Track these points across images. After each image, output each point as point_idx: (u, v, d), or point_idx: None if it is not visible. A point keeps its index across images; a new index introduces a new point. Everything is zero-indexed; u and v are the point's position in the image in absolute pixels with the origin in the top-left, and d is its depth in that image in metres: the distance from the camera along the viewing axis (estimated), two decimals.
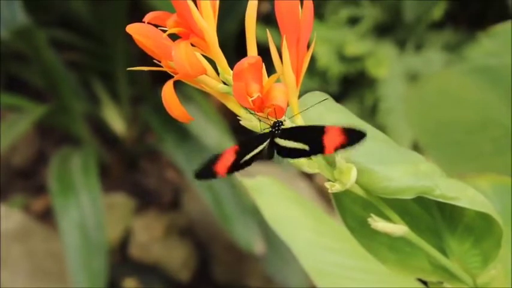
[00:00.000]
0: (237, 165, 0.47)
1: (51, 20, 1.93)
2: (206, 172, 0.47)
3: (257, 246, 1.52)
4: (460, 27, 1.93)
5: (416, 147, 1.29)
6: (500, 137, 1.07)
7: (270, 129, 0.47)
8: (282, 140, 0.47)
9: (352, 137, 0.45)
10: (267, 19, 1.69)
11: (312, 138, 0.46)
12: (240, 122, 0.49)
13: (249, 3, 0.48)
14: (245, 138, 0.48)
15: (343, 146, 0.45)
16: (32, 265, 1.69)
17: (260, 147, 0.48)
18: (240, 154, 0.47)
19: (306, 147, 0.46)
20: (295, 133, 0.47)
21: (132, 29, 0.47)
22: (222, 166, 0.47)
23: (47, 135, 2.02)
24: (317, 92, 0.54)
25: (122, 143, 1.93)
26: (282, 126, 0.47)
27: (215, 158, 0.47)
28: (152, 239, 1.78)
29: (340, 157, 0.49)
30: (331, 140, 0.45)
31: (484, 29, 1.30)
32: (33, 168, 1.96)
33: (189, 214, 1.83)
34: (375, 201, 0.52)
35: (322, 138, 0.46)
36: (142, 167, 1.97)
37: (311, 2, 0.47)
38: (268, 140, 0.48)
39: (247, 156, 0.47)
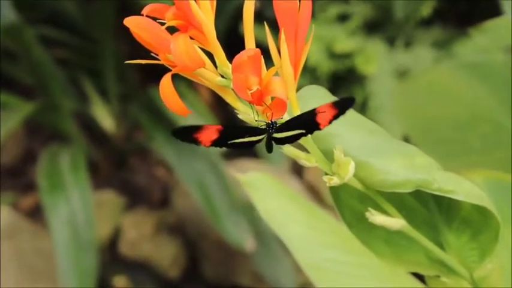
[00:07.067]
0: (223, 143, 0.48)
1: (40, 17, 1.93)
2: (185, 135, 0.48)
3: (247, 243, 1.52)
4: (448, 25, 1.94)
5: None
6: (489, 133, 1.07)
7: (266, 127, 0.48)
8: (279, 134, 0.48)
9: (342, 106, 0.46)
10: (259, 17, 1.69)
11: (306, 123, 0.47)
12: (238, 115, 0.49)
13: None
14: (233, 125, 0.48)
15: (336, 118, 0.46)
16: (20, 263, 1.68)
17: (253, 139, 0.48)
18: (225, 136, 0.48)
19: (303, 131, 0.47)
20: (289, 125, 0.48)
21: (130, 21, 0.47)
22: (205, 137, 0.48)
23: (36, 133, 2.01)
24: (314, 86, 0.54)
25: (110, 140, 1.92)
26: (277, 124, 0.48)
27: (195, 128, 0.48)
28: (142, 237, 1.78)
29: (339, 151, 0.49)
30: (323, 117, 0.46)
31: (473, 26, 1.30)
32: (21, 166, 1.95)
33: (178, 211, 1.82)
34: (373, 195, 0.52)
35: (316, 119, 0.47)
36: (131, 165, 1.96)
37: None
38: (265, 136, 0.48)
39: (238, 141, 0.48)
